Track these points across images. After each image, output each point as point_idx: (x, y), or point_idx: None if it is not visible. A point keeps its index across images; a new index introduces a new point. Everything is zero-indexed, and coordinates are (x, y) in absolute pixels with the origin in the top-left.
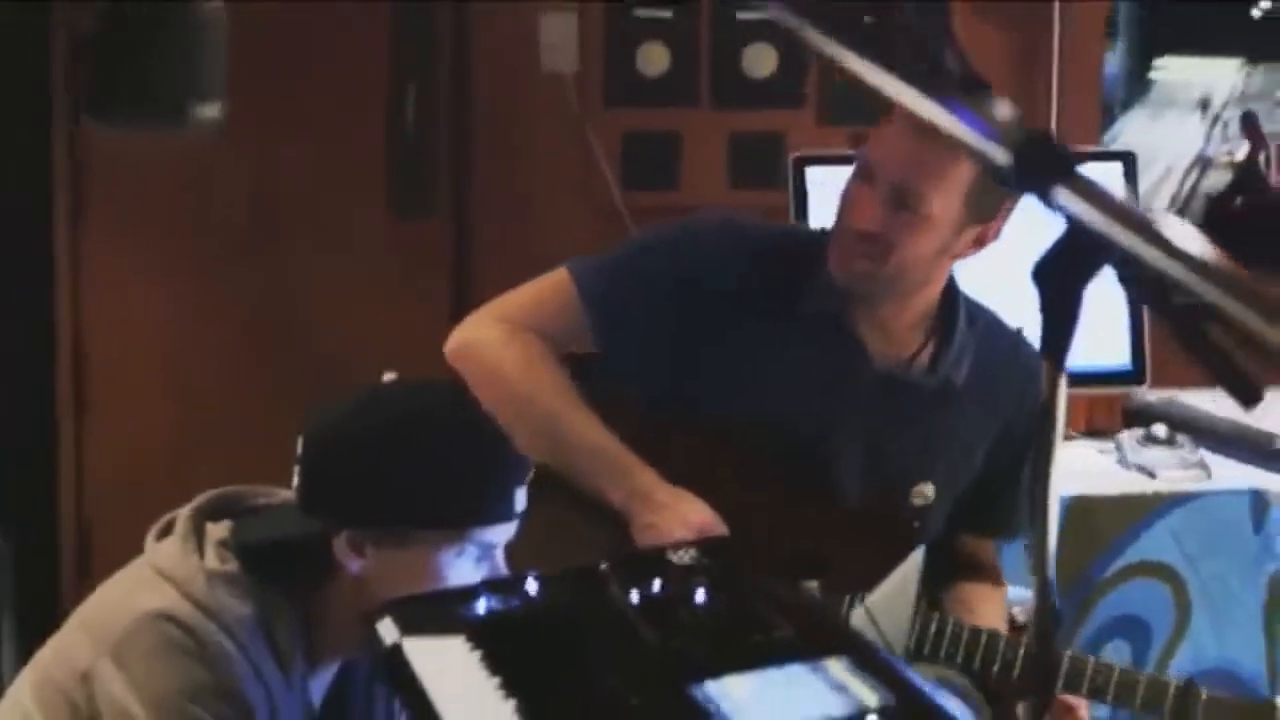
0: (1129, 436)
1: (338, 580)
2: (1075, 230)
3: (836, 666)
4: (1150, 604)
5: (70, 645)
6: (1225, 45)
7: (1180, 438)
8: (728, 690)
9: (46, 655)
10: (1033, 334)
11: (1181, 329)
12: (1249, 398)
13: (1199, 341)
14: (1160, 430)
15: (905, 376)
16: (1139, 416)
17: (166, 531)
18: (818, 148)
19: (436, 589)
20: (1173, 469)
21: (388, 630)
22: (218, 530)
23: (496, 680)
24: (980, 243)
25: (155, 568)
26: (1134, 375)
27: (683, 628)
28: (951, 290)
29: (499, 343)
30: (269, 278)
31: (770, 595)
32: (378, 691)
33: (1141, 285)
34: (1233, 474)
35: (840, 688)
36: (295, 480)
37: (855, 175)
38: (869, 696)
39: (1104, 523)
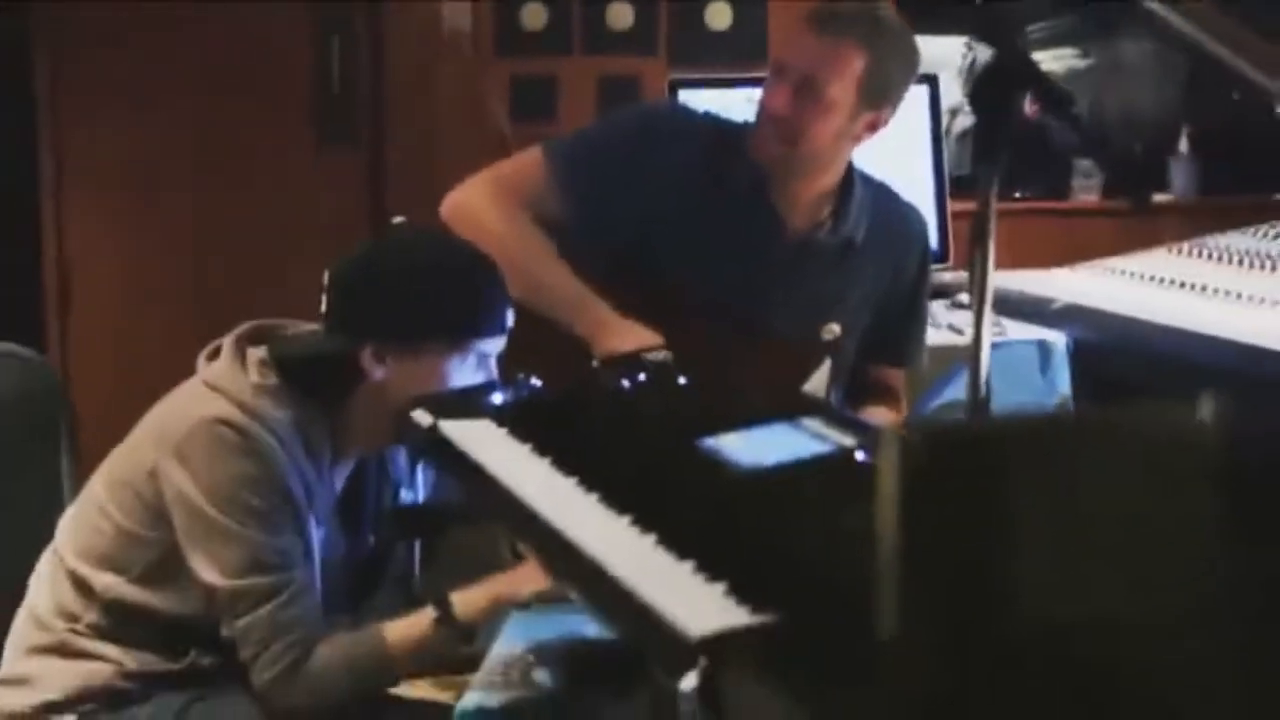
0: (939, 304)
1: (361, 388)
2: (1003, 55)
3: (813, 422)
4: None
5: (136, 450)
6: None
7: None
8: (726, 442)
9: (116, 460)
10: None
11: (1089, 143)
12: (1141, 203)
13: (1104, 152)
14: (964, 298)
15: (813, 239)
16: (945, 290)
17: (213, 357)
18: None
19: (450, 388)
20: None
21: (422, 416)
22: (257, 352)
23: (528, 446)
24: (873, 128)
25: (208, 383)
26: (940, 257)
27: (673, 402)
28: (849, 167)
29: (485, 205)
30: (214, 198)
31: (737, 379)
32: (385, 484)
33: (1058, 108)
34: (1022, 330)
35: (821, 436)
36: (324, 307)
37: (770, 74)
38: (848, 440)
39: (926, 370)
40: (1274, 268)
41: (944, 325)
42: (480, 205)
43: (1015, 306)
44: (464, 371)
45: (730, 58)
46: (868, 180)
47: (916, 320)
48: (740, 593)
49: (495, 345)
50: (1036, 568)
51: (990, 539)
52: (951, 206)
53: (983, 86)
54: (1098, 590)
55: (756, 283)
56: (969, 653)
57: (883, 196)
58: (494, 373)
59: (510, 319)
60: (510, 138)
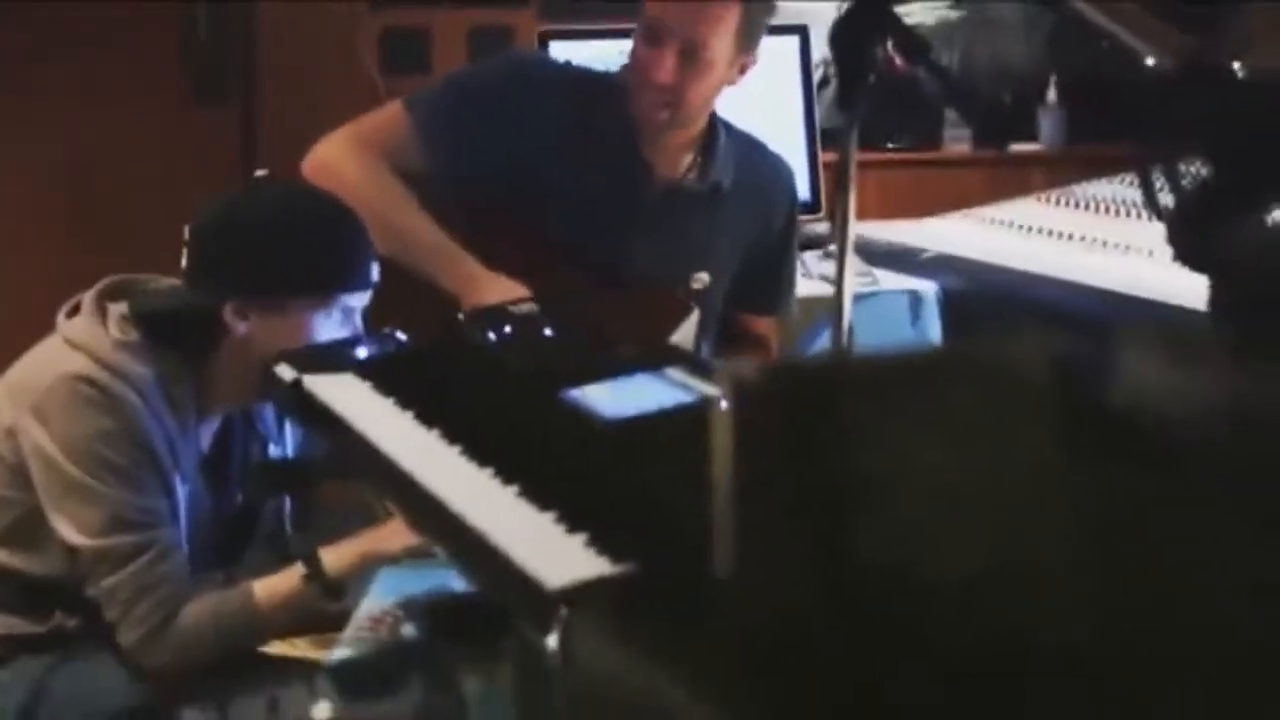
0: (811, 255)
1: (224, 344)
2: (860, 3)
3: (675, 372)
4: None
5: None
6: None
7: None
8: (589, 394)
9: None
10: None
11: (950, 87)
12: (997, 140)
13: (968, 101)
14: (835, 246)
15: (681, 186)
16: (816, 240)
17: (73, 313)
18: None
19: (314, 343)
20: None
21: (286, 371)
22: (118, 308)
23: (391, 400)
24: (743, 70)
25: (67, 339)
26: (812, 207)
27: (538, 355)
28: (713, 115)
29: (346, 159)
30: (79, 155)
31: (604, 332)
32: (253, 440)
33: (916, 55)
34: (893, 280)
35: (683, 385)
36: (184, 263)
37: (644, 38)
38: (710, 389)
39: (795, 320)
40: (1139, 215)
41: (815, 276)
42: (341, 160)
43: (886, 256)
44: (329, 326)
45: (602, 10)
46: (733, 130)
47: (786, 269)
48: (601, 543)
49: (360, 299)
50: (875, 505)
51: (825, 476)
52: (824, 157)
53: (840, 34)
54: (939, 524)
55: (625, 231)
56: (812, 595)
57: (751, 148)
58: (359, 327)
59: (375, 272)
60: (383, 90)
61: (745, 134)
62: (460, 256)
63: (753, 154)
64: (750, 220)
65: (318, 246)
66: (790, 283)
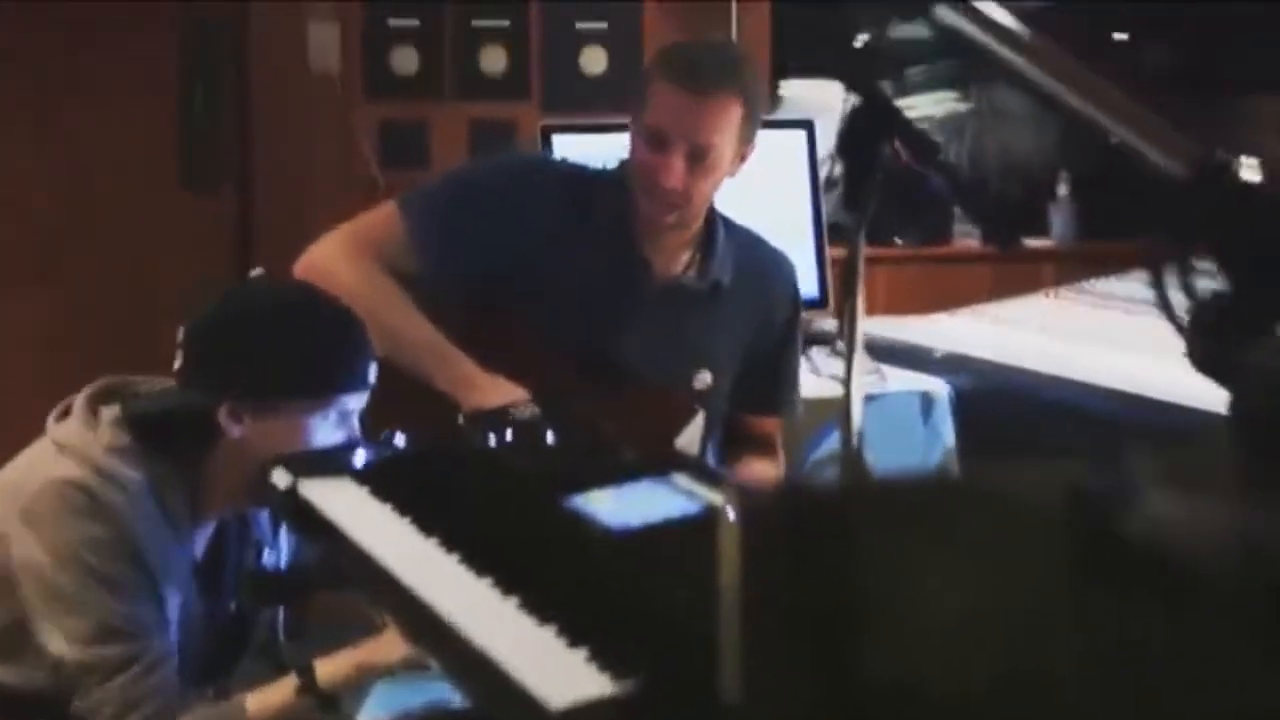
0: (819, 352)
1: (219, 448)
2: (868, 101)
3: (681, 479)
4: None
5: None
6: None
7: None
8: (593, 501)
9: None
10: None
11: (959, 190)
12: (1008, 245)
13: (974, 199)
14: (843, 345)
15: (680, 283)
16: (825, 337)
17: (63, 415)
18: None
19: (311, 448)
20: None
21: (281, 477)
22: (110, 411)
23: (389, 506)
24: (743, 159)
25: (57, 443)
26: (820, 303)
27: (541, 460)
28: (711, 211)
29: (341, 261)
30: (73, 250)
31: (607, 435)
32: (248, 546)
33: (923, 155)
34: (904, 381)
35: (689, 493)
36: (178, 364)
37: (647, 143)
38: (715, 497)
39: (803, 421)
40: (1151, 312)
41: (824, 375)
42: (335, 261)
43: (896, 355)
44: (325, 428)
45: (604, 102)
46: (733, 226)
47: (789, 368)
48: (603, 659)
49: (358, 401)
50: (882, 628)
51: (832, 597)
52: (831, 252)
53: (848, 133)
54: (948, 651)
55: (625, 330)
56: (817, 715)
57: (751, 244)
58: (356, 430)
59: (373, 374)
60: (381, 184)
61: (745, 230)
62: (457, 358)
63: (753, 251)
64: (751, 317)
65: (314, 347)
66: (793, 381)
